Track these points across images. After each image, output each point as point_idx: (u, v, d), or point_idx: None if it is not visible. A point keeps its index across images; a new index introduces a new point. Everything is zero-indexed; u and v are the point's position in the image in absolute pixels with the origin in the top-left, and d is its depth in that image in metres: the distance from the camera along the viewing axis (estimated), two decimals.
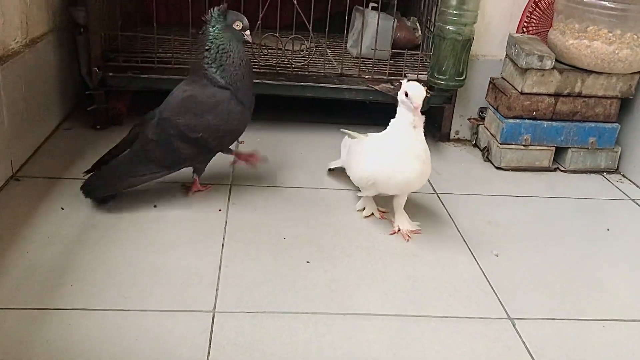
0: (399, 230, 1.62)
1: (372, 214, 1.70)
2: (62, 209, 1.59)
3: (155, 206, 1.65)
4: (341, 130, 1.86)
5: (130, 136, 1.63)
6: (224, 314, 1.27)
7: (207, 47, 1.56)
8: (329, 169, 1.94)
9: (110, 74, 2.06)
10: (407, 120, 1.52)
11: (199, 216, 1.63)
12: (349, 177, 1.72)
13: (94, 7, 2.00)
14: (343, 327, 1.26)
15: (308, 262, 1.47)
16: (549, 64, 1.95)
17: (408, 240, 1.59)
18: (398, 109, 1.55)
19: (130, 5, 2.45)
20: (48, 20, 2.01)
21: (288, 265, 1.45)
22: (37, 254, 1.40)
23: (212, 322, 1.24)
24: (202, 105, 1.57)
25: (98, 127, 2.11)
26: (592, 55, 1.94)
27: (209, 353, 1.16)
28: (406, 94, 1.49)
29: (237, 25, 1.54)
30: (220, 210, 1.66)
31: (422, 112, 2.17)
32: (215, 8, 1.55)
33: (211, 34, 1.55)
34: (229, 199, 1.73)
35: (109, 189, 1.59)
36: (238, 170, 1.89)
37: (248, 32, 1.56)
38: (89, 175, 1.62)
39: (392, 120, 1.57)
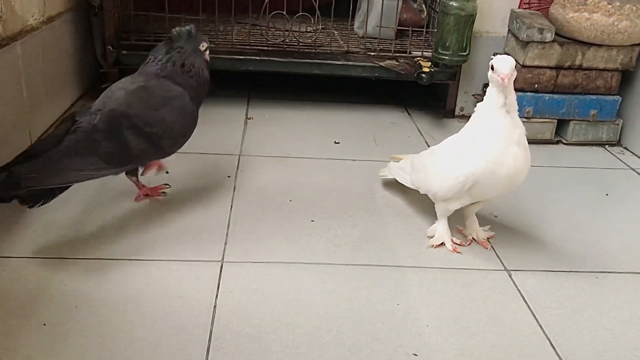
0: (472, 240, 1.48)
1: (443, 243, 1.46)
2: None
3: (167, 172, 1.72)
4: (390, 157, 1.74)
5: (60, 130, 1.35)
6: (231, 264, 1.33)
7: (174, 61, 1.46)
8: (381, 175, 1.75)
9: (124, 52, 2.14)
10: (497, 102, 1.29)
11: (209, 182, 1.70)
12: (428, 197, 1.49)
13: None
14: (345, 276, 1.32)
15: (312, 221, 1.53)
16: (549, 36, 2.00)
17: (488, 248, 1.46)
18: (487, 92, 1.33)
19: None
20: (64, 0, 2.09)
21: (293, 224, 1.51)
22: (55, 213, 1.47)
23: (221, 270, 1.30)
24: (156, 97, 1.42)
25: None
26: (592, 27, 1.98)
27: (216, 296, 1.22)
28: (492, 68, 1.28)
29: (203, 46, 1.52)
30: (229, 176, 1.73)
31: (426, 87, 2.25)
32: (185, 28, 1.47)
33: (179, 51, 1.47)
34: (237, 167, 1.79)
35: (45, 182, 1.27)
36: (247, 142, 1.96)
37: (208, 52, 1.54)
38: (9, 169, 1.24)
39: (478, 106, 1.36)
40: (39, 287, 1.21)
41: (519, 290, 1.32)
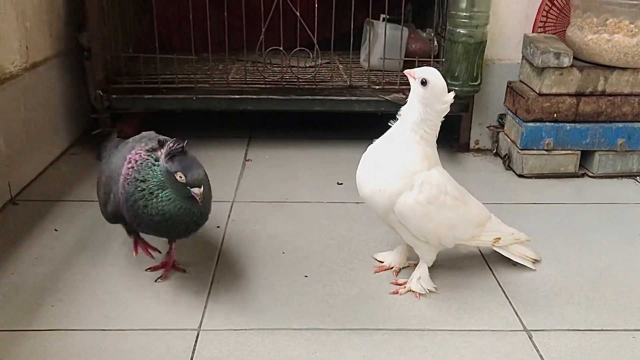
0: (402, 284, 1.34)
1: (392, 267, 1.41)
2: (55, 230, 1.54)
3: None
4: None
5: None
6: (209, 332, 1.17)
7: (141, 178, 1.18)
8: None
9: (114, 96, 2.03)
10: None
11: (195, 234, 1.55)
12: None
13: (95, 31, 1.99)
14: (338, 344, 1.15)
15: (306, 276, 1.37)
16: (566, 61, 1.83)
17: (395, 293, 1.31)
18: None
19: (142, 33, 2.45)
20: (52, 44, 2.00)
21: (284, 280, 1.35)
22: (23, 275, 1.34)
23: (196, 341, 1.15)
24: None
25: None
26: (613, 49, 1.81)
27: None
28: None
29: (180, 177, 1.14)
30: (218, 227, 1.59)
31: None
32: (170, 143, 1.17)
33: (150, 170, 1.19)
34: (229, 216, 1.65)
35: None
36: (242, 187, 1.83)
37: (197, 189, 1.15)
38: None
39: None
40: None
41: (541, 356, 1.13)
